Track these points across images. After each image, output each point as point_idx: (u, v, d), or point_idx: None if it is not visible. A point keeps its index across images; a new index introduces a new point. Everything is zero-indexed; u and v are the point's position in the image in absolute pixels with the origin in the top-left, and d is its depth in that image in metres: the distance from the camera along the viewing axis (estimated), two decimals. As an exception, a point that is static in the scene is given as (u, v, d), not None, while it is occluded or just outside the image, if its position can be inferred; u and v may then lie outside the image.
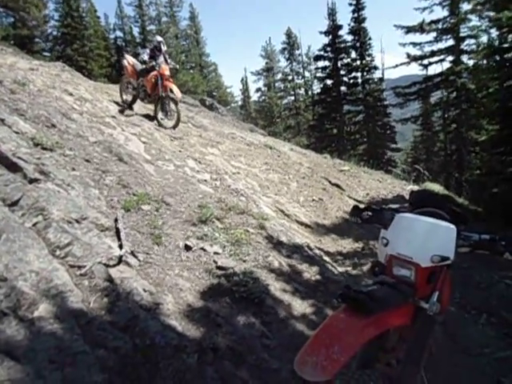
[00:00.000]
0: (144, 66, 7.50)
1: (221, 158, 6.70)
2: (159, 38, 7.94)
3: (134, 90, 7.82)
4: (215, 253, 3.30)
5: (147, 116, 7.60)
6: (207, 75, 36.10)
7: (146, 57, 7.52)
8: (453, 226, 1.58)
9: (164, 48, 7.82)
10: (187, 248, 3.25)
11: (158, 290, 2.63)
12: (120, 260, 2.71)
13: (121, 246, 2.86)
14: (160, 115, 7.52)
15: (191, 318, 2.51)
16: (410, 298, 1.55)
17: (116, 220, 3.16)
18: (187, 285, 2.82)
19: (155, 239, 3.19)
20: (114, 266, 2.65)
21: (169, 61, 7.85)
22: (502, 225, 7.63)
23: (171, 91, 7.25)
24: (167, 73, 7.38)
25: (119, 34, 34.44)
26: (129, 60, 7.89)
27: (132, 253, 2.87)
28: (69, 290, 2.22)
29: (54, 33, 29.80)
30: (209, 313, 2.61)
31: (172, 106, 7.47)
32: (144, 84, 7.58)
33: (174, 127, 7.37)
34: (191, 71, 32.79)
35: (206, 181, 5.14)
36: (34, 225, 2.56)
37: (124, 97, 7.96)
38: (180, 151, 6.14)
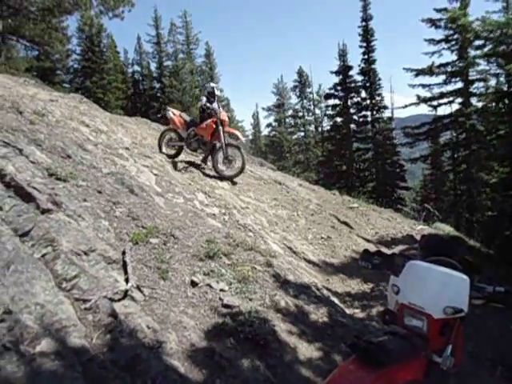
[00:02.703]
0: (207, 112, 7.28)
1: (230, 192, 6.75)
2: (212, 84, 7.81)
3: (180, 141, 7.52)
4: (221, 290, 3.26)
5: (193, 164, 7.52)
6: (220, 109, 36.98)
7: (206, 103, 7.30)
8: (466, 277, 1.54)
9: (217, 93, 7.63)
10: (193, 284, 3.22)
11: (162, 328, 2.57)
12: (125, 294, 2.68)
13: (127, 280, 2.83)
14: (220, 163, 7.19)
15: (194, 359, 2.44)
16: (423, 351, 1.49)
17: (124, 253, 3.16)
18: (192, 323, 2.76)
19: (162, 274, 3.17)
20: (119, 300, 2.62)
21: (222, 107, 7.65)
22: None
23: (233, 136, 7.08)
24: (227, 118, 7.21)
25: (137, 68, 35.96)
26: (174, 111, 7.73)
27: (138, 287, 2.84)
28: (72, 324, 2.19)
29: (75, 66, 31.27)
30: (213, 354, 2.54)
31: (235, 152, 7.11)
32: (198, 133, 7.28)
33: (237, 175, 7.11)
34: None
35: (214, 215, 5.15)
36: (43, 256, 2.57)
37: (164, 150, 7.55)
38: (190, 184, 6.20)
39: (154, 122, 12.04)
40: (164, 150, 7.58)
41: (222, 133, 7.01)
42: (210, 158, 7.44)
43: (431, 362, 1.50)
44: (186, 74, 33.27)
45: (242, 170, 7.11)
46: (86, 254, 2.83)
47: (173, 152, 7.58)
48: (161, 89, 33.34)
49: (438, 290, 1.53)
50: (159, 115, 31.07)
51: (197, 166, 7.57)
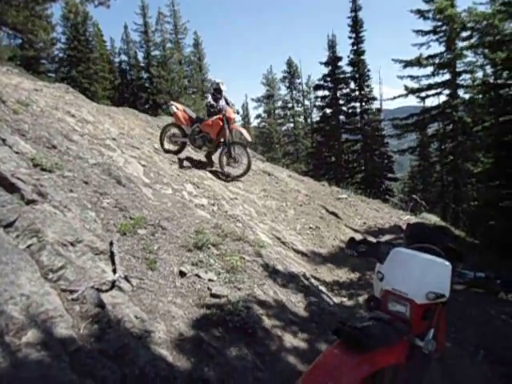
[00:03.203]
0: (212, 110, 7.08)
1: (219, 183, 6.73)
2: (218, 80, 7.44)
3: (184, 137, 7.29)
4: (210, 280, 3.27)
5: (182, 155, 7.38)
6: (209, 100, 36.66)
7: (211, 101, 7.08)
8: (448, 263, 1.58)
9: (224, 89, 7.37)
10: (182, 274, 3.22)
11: (150, 317, 2.58)
12: (113, 285, 2.67)
13: (114, 271, 2.82)
14: (225, 162, 7.07)
15: (183, 348, 2.45)
16: (406, 336, 1.53)
17: (111, 243, 3.14)
18: (180, 312, 2.77)
19: (150, 264, 3.16)
20: (107, 290, 2.61)
21: (230, 103, 7.42)
22: (498, 258, 7.61)
23: (240, 134, 6.89)
24: (233, 116, 7.01)
25: (124, 57, 35.40)
26: (177, 106, 7.44)
27: (125, 277, 2.83)
28: (59, 315, 2.18)
29: (60, 55, 30.61)
30: (201, 342, 2.55)
31: (241, 150, 6.94)
32: (203, 129, 7.08)
33: (243, 175, 6.99)
34: (193, 96, 33.41)
35: (203, 206, 5.15)
36: (28, 247, 2.54)
37: (166, 146, 7.34)
38: (179, 175, 6.17)
39: (142, 113, 11.89)
40: (166, 145, 7.35)
41: (227, 131, 6.85)
42: (214, 156, 7.26)
43: (414, 346, 1.54)
44: (175, 64, 32.87)
45: (248, 170, 6.95)
46: (72, 244, 2.80)
47: (175, 148, 7.37)
48: (149, 79, 32.90)
49: (420, 276, 1.57)
50: (147, 106, 30.75)
51: (186, 158, 7.53)
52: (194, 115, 7.42)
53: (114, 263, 2.91)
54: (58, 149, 4.46)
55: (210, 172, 7.24)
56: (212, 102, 7.09)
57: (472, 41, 11.57)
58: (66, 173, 3.93)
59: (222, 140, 7.04)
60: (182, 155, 7.51)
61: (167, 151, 7.22)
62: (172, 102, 7.72)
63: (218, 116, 6.95)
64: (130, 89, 34.08)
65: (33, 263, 2.42)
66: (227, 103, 7.40)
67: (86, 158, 4.62)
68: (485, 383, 2.98)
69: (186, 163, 7.06)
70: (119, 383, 2.00)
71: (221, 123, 6.90)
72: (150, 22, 33.62)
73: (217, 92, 7.31)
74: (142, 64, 34.34)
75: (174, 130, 7.44)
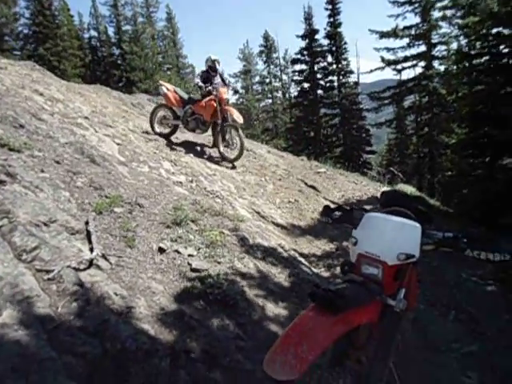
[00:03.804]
0: (200, 92, 6.86)
1: (197, 160, 6.66)
2: (213, 57, 7.08)
3: (175, 119, 7.08)
4: (189, 255, 3.27)
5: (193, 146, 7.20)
6: (184, 77, 35.86)
7: (200, 82, 6.80)
8: (418, 225, 1.62)
9: (220, 67, 7.07)
10: (161, 250, 3.21)
11: (130, 294, 2.57)
12: (91, 263, 2.65)
13: (91, 250, 2.79)
14: (221, 145, 6.90)
15: (164, 322, 2.47)
16: (378, 296, 1.58)
17: (87, 223, 3.09)
18: (160, 288, 2.78)
19: (128, 242, 3.13)
20: (85, 269, 2.58)
21: (226, 81, 7.18)
22: (470, 224, 7.91)
23: (231, 116, 6.69)
24: (225, 96, 6.74)
25: (94, 33, 33.90)
26: (168, 87, 7.18)
27: (103, 256, 2.80)
28: (35, 295, 2.15)
29: (25, 31, 29.04)
30: (182, 316, 2.58)
31: (233, 132, 6.74)
32: (196, 111, 6.90)
33: (238, 157, 6.82)
34: (168, 72, 32.53)
35: (181, 183, 5.10)
36: (-1, 228, 2.47)
37: (157, 129, 7.12)
38: (155, 153, 6.06)
39: (115, 91, 11.50)
40: (157, 128, 7.14)
41: (219, 112, 6.68)
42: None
43: (386, 306, 1.60)
44: (147, 40, 31.73)
45: (242, 152, 6.78)
46: (45, 225, 2.74)
47: (167, 131, 7.17)
48: (121, 55, 31.75)
49: (392, 238, 1.61)
50: (121, 84, 29.79)
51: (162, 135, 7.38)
52: (185, 96, 7.18)
53: (90, 242, 2.87)
54: (27, 128, 4.29)
55: (188, 149, 7.14)
56: (200, 84, 6.82)
57: (445, 2, 11.62)
58: (36, 152, 3.80)
59: (215, 122, 6.89)
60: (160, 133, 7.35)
61: (158, 134, 7.03)
62: (162, 83, 7.44)
63: (211, 97, 6.72)
64: (102, 66, 32.85)
65: (5, 244, 2.36)
66: (223, 81, 7.16)
67: (56, 138, 4.47)
68: (455, 340, 3.15)
69: (162, 141, 6.93)
70: (100, 358, 2.01)
71: (214, 104, 6.70)
72: (120, -5, 32.15)
73: (212, 70, 7.04)
74: (113, 40, 33.04)
75: (165, 112, 7.21)
